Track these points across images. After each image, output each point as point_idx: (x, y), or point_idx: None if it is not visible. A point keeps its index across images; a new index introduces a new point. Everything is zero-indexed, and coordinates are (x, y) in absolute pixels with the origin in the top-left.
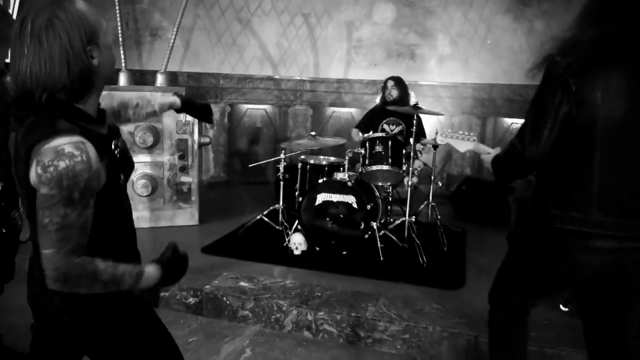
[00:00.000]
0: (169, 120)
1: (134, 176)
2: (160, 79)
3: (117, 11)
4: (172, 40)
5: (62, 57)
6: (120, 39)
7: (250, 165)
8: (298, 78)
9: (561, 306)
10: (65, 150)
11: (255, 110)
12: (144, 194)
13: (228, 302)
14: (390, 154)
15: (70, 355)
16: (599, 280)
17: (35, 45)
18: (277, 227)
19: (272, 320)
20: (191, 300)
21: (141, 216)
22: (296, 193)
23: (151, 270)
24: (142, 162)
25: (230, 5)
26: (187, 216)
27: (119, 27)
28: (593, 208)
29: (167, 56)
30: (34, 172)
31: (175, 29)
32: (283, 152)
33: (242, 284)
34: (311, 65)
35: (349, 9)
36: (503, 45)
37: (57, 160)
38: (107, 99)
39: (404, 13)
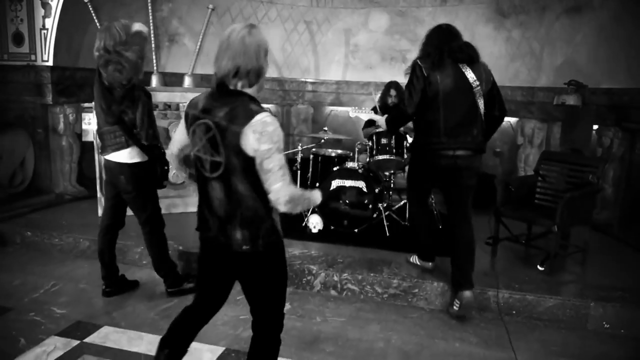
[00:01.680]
0: None
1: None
2: (187, 81)
3: (151, 18)
4: (197, 46)
5: (256, 53)
6: (153, 44)
7: None
8: (300, 79)
9: (538, 266)
10: (268, 120)
11: None
12: (178, 182)
13: None
14: (394, 145)
15: (231, 277)
16: (445, 171)
17: (239, 46)
18: None
19: (304, 282)
20: None
21: (172, 203)
22: (308, 181)
23: (317, 195)
24: None
25: (240, 13)
26: None
27: (152, 33)
28: (442, 136)
29: (194, 60)
30: (251, 139)
31: (200, 37)
32: (300, 144)
33: None
34: (312, 67)
35: (347, 17)
36: (484, 52)
37: (267, 127)
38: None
39: (397, 22)
